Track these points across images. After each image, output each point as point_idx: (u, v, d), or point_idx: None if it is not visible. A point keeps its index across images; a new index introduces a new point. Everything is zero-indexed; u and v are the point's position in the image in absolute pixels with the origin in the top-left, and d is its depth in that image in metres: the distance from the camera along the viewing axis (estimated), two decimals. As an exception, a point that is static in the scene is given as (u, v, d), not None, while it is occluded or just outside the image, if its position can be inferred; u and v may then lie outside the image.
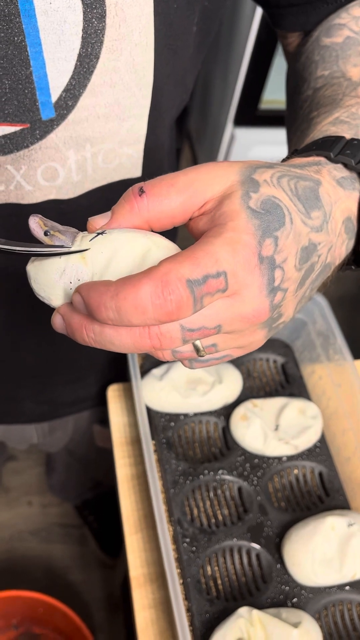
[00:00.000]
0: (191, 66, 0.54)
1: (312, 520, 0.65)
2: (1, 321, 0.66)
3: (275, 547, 0.65)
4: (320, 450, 0.73)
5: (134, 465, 0.73)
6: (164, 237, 0.32)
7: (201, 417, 0.75)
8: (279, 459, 0.72)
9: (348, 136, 0.37)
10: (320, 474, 0.72)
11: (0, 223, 0.53)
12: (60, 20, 0.41)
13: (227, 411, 0.76)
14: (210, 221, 0.30)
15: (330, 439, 0.74)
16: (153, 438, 0.72)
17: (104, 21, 0.42)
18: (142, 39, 0.44)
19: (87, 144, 0.50)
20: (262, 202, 0.30)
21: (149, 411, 0.74)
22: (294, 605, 0.61)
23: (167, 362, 0.76)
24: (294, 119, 0.51)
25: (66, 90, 0.45)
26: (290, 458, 0.72)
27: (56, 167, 0.50)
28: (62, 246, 0.31)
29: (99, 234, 0.31)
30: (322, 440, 0.74)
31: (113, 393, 0.79)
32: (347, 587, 0.63)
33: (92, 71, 0.44)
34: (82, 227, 0.34)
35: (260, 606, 0.60)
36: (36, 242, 0.32)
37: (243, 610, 0.58)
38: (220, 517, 0.67)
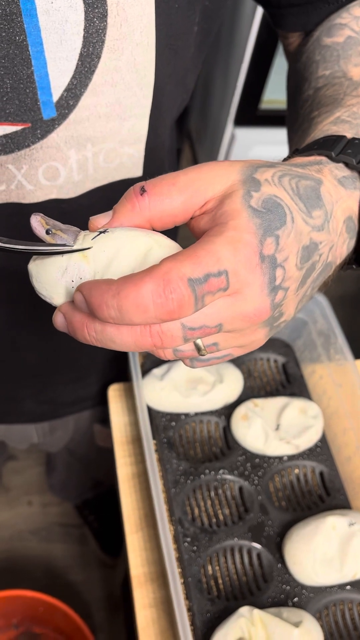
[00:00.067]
0: (192, 66, 0.54)
1: (313, 519, 0.65)
2: (2, 320, 0.66)
3: (276, 546, 0.65)
4: (321, 450, 0.73)
5: (135, 465, 0.73)
6: (165, 236, 0.32)
7: (202, 416, 0.75)
8: (280, 458, 0.72)
9: (349, 135, 0.37)
10: (321, 474, 0.72)
11: (1, 222, 0.54)
12: (61, 19, 0.41)
13: (228, 411, 0.76)
14: (212, 220, 0.30)
15: (331, 439, 0.74)
16: (154, 437, 0.72)
17: (106, 21, 0.42)
18: (144, 39, 0.44)
19: (88, 143, 0.50)
20: (263, 201, 0.30)
21: (150, 411, 0.74)
22: (294, 605, 0.61)
23: (168, 361, 0.77)
24: (295, 118, 0.51)
25: (67, 89, 0.45)
26: (291, 458, 0.72)
27: (57, 167, 0.50)
28: (64, 245, 0.31)
29: (100, 232, 0.31)
30: (323, 440, 0.74)
31: (114, 392, 0.79)
32: (348, 587, 0.63)
33: (94, 71, 0.45)
34: (83, 226, 0.34)
35: (261, 606, 0.60)
36: (38, 241, 0.32)
37: (244, 610, 0.58)
38: (221, 517, 0.67)
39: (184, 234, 0.43)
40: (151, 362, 0.78)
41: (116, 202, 0.32)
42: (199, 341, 0.31)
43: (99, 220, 0.32)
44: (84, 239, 0.32)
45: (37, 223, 0.31)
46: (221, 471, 0.70)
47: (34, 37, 0.41)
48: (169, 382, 0.74)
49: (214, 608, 0.60)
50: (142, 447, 0.71)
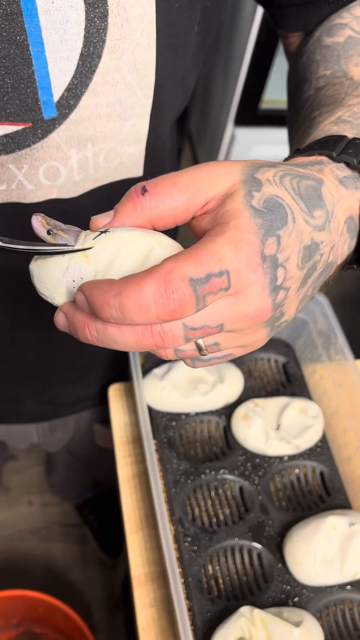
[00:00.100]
0: (192, 66, 0.54)
1: (313, 519, 0.65)
2: (3, 320, 0.66)
3: (277, 546, 0.65)
4: (322, 450, 0.73)
5: (135, 465, 0.73)
6: (166, 236, 0.32)
7: (202, 416, 0.75)
8: (280, 458, 0.72)
9: (350, 135, 0.37)
10: (322, 474, 0.72)
11: (1, 222, 0.54)
12: (62, 19, 0.41)
13: (228, 411, 0.76)
14: (213, 220, 0.30)
15: (331, 439, 0.74)
16: (154, 437, 0.72)
17: (106, 20, 0.42)
18: (144, 39, 0.44)
19: (89, 143, 0.50)
20: (264, 201, 0.30)
21: (150, 410, 0.74)
22: (295, 605, 0.61)
23: (169, 361, 0.76)
24: (296, 118, 0.51)
25: (68, 89, 0.45)
26: (292, 457, 0.72)
27: (58, 167, 0.50)
28: (65, 245, 0.31)
29: (102, 232, 0.31)
30: (323, 440, 0.74)
31: (114, 392, 0.79)
32: (349, 587, 0.63)
33: (94, 70, 0.44)
34: (84, 226, 0.34)
35: (261, 605, 0.60)
36: (39, 241, 0.32)
37: (244, 610, 0.58)
38: (221, 517, 0.67)
39: (184, 234, 0.43)
40: (152, 362, 0.78)
41: (117, 202, 0.32)
42: (200, 341, 0.31)
43: (100, 220, 0.32)
44: (85, 238, 0.32)
45: (38, 223, 0.31)
46: (222, 471, 0.70)
47: (35, 37, 0.41)
48: (169, 382, 0.74)
49: (214, 608, 0.60)
50: (142, 447, 0.71)
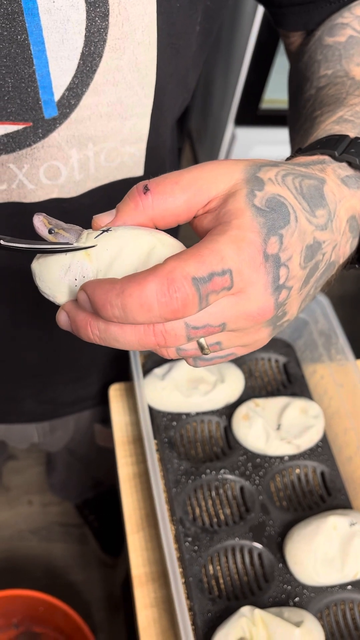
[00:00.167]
0: (193, 65, 0.54)
1: (314, 519, 0.65)
2: (4, 320, 0.66)
3: (277, 546, 0.65)
4: (322, 450, 0.73)
5: (136, 464, 0.73)
6: (168, 235, 0.32)
7: (203, 416, 0.75)
8: (281, 458, 0.72)
9: (352, 135, 0.37)
10: (322, 474, 0.72)
11: (2, 222, 0.53)
12: (63, 18, 0.41)
13: (229, 410, 0.76)
14: (215, 219, 0.30)
15: (332, 439, 0.74)
16: (155, 437, 0.72)
17: (107, 20, 0.42)
18: (145, 38, 0.44)
19: (90, 142, 0.50)
20: (267, 200, 0.30)
21: (151, 410, 0.74)
22: (296, 605, 0.61)
23: (170, 360, 0.76)
24: (297, 118, 0.51)
25: (69, 89, 0.45)
26: (292, 457, 0.72)
27: (58, 166, 0.50)
28: (67, 244, 0.31)
29: (103, 231, 0.31)
30: (324, 440, 0.74)
31: (115, 392, 0.79)
32: (349, 587, 0.63)
33: (95, 70, 0.44)
34: (84, 225, 0.34)
35: (262, 605, 0.60)
36: (40, 240, 0.32)
37: (245, 610, 0.58)
38: (222, 517, 0.67)
39: (185, 233, 0.42)
40: (152, 361, 0.78)
41: (117, 201, 0.32)
42: (202, 340, 0.31)
43: (102, 218, 0.32)
44: (87, 237, 0.32)
45: (40, 223, 0.31)
46: (222, 471, 0.70)
47: (36, 36, 0.41)
48: (170, 382, 0.74)
49: (215, 608, 0.60)
50: (143, 447, 0.71)
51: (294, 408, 0.74)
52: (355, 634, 0.61)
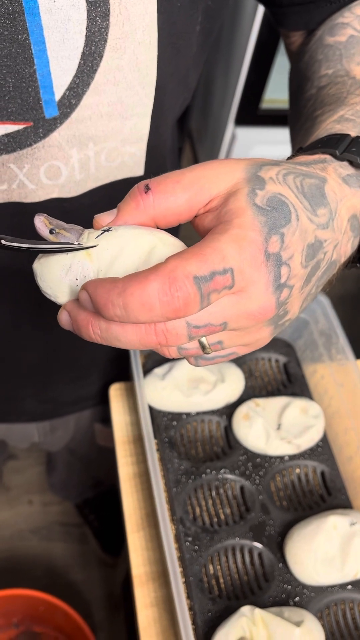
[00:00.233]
0: (194, 65, 0.54)
1: (314, 519, 0.65)
2: (5, 320, 0.66)
3: (278, 546, 0.65)
4: (322, 450, 0.73)
5: (136, 464, 0.73)
6: (169, 234, 0.32)
7: (203, 416, 0.75)
8: (281, 458, 0.72)
9: (353, 134, 0.37)
10: (322, 473, 0.72)
11: (3, 222, 0.53)
12: (64, 18, 0.41)
13: (229, 410, 0.76)
14: (216, 218, 0.30)
15: (332, 439, 0.74)
16: (155, 437, 0.72)
17: (108, 19, 0.42)
18: (146, 38, 0.44)
19: (90, 142, 0.50)
20: (268, 199, 0.30)
21: (151, 410, 0.74)
22: (296, 604, 0.61)
23: (170, 360, 0.76)
24: (298, 118, 0.51)
25: (70, 88, 0.45)
26: (292, 457, 0.72)
27: (59, 166, 0.50)
28: (68, 243, 0.31)
29: (104, 231, 0.31)
30: (324, 440, 0.74)
31: (115, 392, 0.79)
32: (349, 586, 0.63)
33: (96, 70, 0.44)
34: (85, 225, 0.34)
35: (262, 605, 0.60)
36: (41, 240, 0.32)
37: (245, 609, 0.58)
38: (222, 516, 0.67)
39: (185, 233, 0.42)
40: (153, 361, 0.78)
41: (118, 201, 0.32)
42: (203, 339, 0.31)
43: (103, 218, 0.32)
44: (88, 237, 0.32)
45: (41, 223, 0.31)
46: (222, 471, 0.70)
47: (37, 36, 0.41)
48: (170, 382, 0.74)
49: (215, 607, 0.60)
50: (143, 447, 0.71)
51: (294, 408, 0.74)
52: (355, 633, 0.61)
